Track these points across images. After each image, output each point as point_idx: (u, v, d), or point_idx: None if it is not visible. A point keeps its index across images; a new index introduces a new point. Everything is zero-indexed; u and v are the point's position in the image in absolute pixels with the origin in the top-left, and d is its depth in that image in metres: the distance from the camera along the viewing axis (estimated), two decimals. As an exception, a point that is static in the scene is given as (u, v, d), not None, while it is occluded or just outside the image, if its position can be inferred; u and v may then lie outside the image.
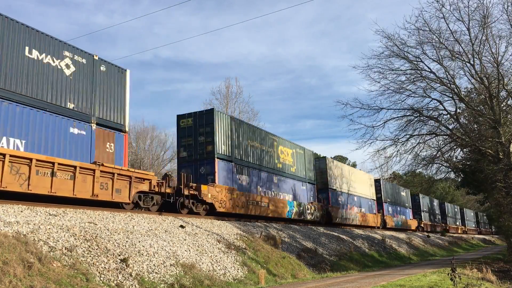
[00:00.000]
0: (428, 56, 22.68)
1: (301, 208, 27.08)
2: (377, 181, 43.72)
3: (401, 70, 23.24)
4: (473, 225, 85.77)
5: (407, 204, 52.20)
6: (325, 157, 33.58)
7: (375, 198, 41.89)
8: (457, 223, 73.43)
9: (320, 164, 32.60)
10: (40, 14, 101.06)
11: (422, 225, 55.59)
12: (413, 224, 51.67)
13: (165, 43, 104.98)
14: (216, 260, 14.53)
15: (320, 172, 32.26)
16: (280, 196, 25.64)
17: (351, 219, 34.62)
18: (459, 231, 72.52)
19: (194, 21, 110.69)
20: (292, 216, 25.82)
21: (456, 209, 74.51)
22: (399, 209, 48.16)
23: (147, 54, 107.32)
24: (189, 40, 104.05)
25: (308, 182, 29.78)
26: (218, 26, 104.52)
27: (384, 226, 41.84)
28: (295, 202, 26.63)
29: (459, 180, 32.83)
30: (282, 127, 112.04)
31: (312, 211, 28.38)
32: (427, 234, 51.90)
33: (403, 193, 51.45)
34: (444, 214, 67.74)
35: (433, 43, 22.24)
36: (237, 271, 14.58)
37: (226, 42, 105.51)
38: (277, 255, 18.16)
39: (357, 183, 38.07)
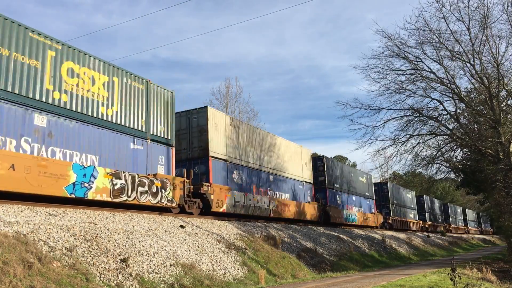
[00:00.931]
0: (428, 56, 22.72)
1: (128, 182, 15.37)
2: (319, 159, 32.27)
3: (401, 70, 23.27)
4: (460, 223, 75.31)
5: (368, 194, 40.26)
6: (206, 107, 21.06)
7: (311, 181, 30.25)
8: (439, 220, 63.55)
9: (199, 119, 20.62)
10: (39, 15, 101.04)
11: (391, 221, 43.89)
12: (377, 219, 40.67)
13: (164, 43, 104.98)
14: (216, 260, 14.54)
15: (197, 131, 20.57)
16: (66, 157, 13.76)
17: (257, 208, 22.80)
18: (441, 229, 61.94)
19: (193, 22, 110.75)
20: (92, 194, 14.10)
21: (438, 204, 64.23)
22: (354, 199, 36.76)
23: (146, 54, 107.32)
24: (188, 41, 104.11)
25: (154, 141, 17.43)
26: (217, 26, 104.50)
27: (327, 220, 30.55)
28: (103, 170, 14.61)
29: (459, 180, 32.81)
30: (282, 127, 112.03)
31: (151, 188, 16.20)
32: (427, 234, 51.63)
33: (362, 179, 39.55)
34: (423, 210, 56.71)
35: (433, 43, 22.27)
36: (237, 271, 14.59)
37: (225, 42, 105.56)
38: (277, 255, 18.16)
39: (278, 156, 26.45)
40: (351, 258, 23.95)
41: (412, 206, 53.19)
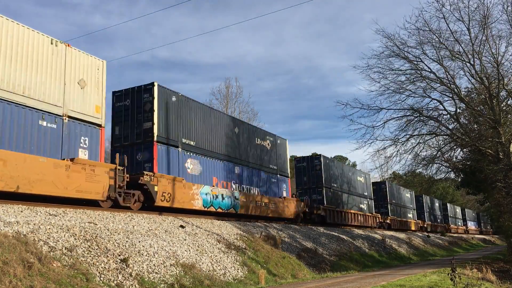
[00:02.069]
0: (428, 56, 22.74)
1: None
2: (145, 91, 18.02)
3: (401, 70, 23.28)
4: (439, 219, 62.49)
5: (276, 167, 26.18)
6: None
7: (101, 122, 15.49)
8: (410, 215, 49.97)
9: None
10: (37, 15, 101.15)
11: (322, 212, 29.51)
12: (288, 207, 25.95)
13: (162, 43, 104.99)
14: (216, 260, 14.54)
15: None
16: None
17: None
18: (413, 228, 49.35)
19: (191, 22, 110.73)
20: None
21: (408, 195, 50.30)
22: (236, 171, 22.52)
23: (144, 54, 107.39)
24: (186, 41, 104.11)
25: None
26: (215, 27, 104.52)
27: (150, 201, 16.90)
28: None
29: (459, 180, 32.81)
30: (281, 128, 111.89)
31: None
32: (427, 234, 51.43)
33: (262, 143, 25.28)
34: (384, 200, 43.41)
35: (433, 43, 22.30)
36: (237, 271, 14.59)
37: (223, 42, 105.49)
38: (277, 255, 18.17)
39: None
40: (351, 258, 23.96)
41: (366, 194, 39.04)
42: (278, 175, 26.55)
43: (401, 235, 40.78)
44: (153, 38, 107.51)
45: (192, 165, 19.40)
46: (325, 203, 30.58)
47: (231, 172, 22.14)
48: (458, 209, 75.17)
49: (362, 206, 37.63)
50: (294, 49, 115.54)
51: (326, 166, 31.97)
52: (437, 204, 63.55)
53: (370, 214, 38.70)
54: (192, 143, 19.76)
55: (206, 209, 19.45)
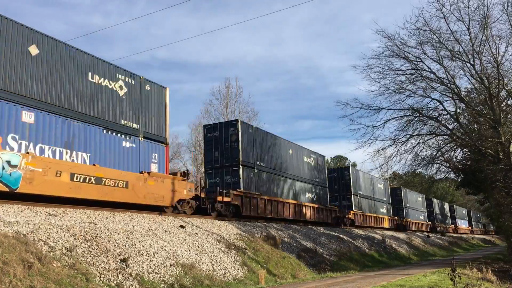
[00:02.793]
0: (428, 56, 22.70)
1: None
2: None
3: (401, 70, 23.23)
4: (422, 217, 53.95)
5: (137, 126, 16.78)
6: None
7: None
8: (383, 210, 41.93)
9: None
10: (37, 15, 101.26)
11: (233, 199, 20.83)
12: (158, 189, 16.67)
13: (161, 44, 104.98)
14: (216, 260, 14.54)
15: None
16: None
17: None
18: (386, 225, 41.73)
19: (191, 22, 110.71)
20: None
21: (381, 186, 42.97)
22: (71, 129, 14.12)
23: (144, 55, 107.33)
24: (186, 41, 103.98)
25: None
26: (214, 27, 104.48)
27: None
28: None
29: (459, 180, 32.79)
30: (280, 128, 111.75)
31: None
32: (427, 234, 51.40)
33: (114, 87, 15.97)
34: (347, 191, 35.77)
35: (433, 43, 22.26)
36: (237, 271, 14.59)
37: (222, 43, 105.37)
38: (277, 255, 18.17)
39: None
40: (351, 258, 23.97)
41: (317, 180, 30.78)
42: (140, 138, 16.92)
43: (401, 235, 40.80)
44: (153, 38, 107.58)
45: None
46: (241, 187, 21.95)
47: (7, 119, 12.41)
48: (446, 206, 66.80)
49: (308, 195, 29.14)
50: (293, 49, 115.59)
51: (246, 137, 23.13)
52: (420, 199, 54.73)
53: (323, 207, 30.37)
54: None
55: None
